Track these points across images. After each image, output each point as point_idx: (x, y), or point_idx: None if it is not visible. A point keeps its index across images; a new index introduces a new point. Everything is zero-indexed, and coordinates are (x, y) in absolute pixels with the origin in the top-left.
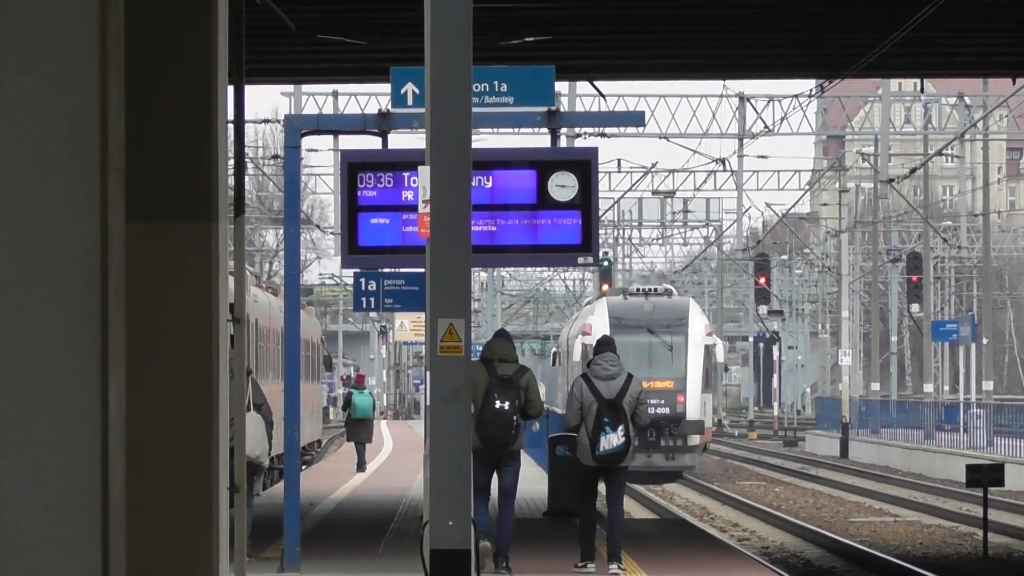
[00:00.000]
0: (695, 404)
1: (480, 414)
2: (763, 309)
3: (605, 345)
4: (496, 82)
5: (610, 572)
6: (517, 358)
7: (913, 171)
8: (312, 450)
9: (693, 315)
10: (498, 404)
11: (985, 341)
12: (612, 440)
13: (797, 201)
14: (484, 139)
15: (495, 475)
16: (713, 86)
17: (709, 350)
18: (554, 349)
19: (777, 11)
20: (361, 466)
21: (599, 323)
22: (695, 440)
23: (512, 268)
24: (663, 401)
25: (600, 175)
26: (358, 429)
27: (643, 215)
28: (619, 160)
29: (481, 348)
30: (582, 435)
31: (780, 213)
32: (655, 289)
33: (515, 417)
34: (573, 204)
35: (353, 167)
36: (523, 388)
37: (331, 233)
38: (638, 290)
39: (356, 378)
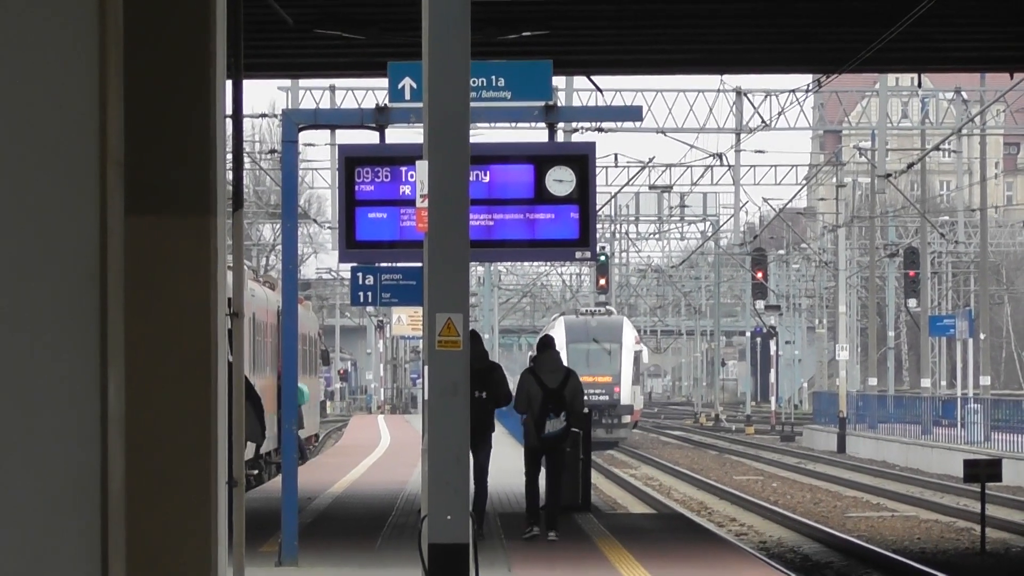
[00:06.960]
0: (627, 393)
1: None
2: (760, 304)
3: (547, 346)
4: (494, 77)
5: (548, 538)
6: (488, 355)
7: (910, 166)
8: (310, 444)
9: (626, 329)
10: (476, 394)
11: (982, 336)
12: (555, 424)
13: (794, 196)
14: (481, 133)
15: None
16: (710, 81)
17: (637, 355)
18: (530, 354)
19: (774, 6)
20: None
21: (558, 334)
22: (627, 419)
23: (509, 263)
24: (604, 391)
25: (597, 169)
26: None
27: (640, 210)
28: (616, 155)
29: None
30: (528, 421)
31: (777, 208)
32: (599, 310)
33: (490, 405)
34: (570, 199)
35: (351, 162)
36: (494, 382)
37: (328, 228)
38: (586, 311)
39: None
